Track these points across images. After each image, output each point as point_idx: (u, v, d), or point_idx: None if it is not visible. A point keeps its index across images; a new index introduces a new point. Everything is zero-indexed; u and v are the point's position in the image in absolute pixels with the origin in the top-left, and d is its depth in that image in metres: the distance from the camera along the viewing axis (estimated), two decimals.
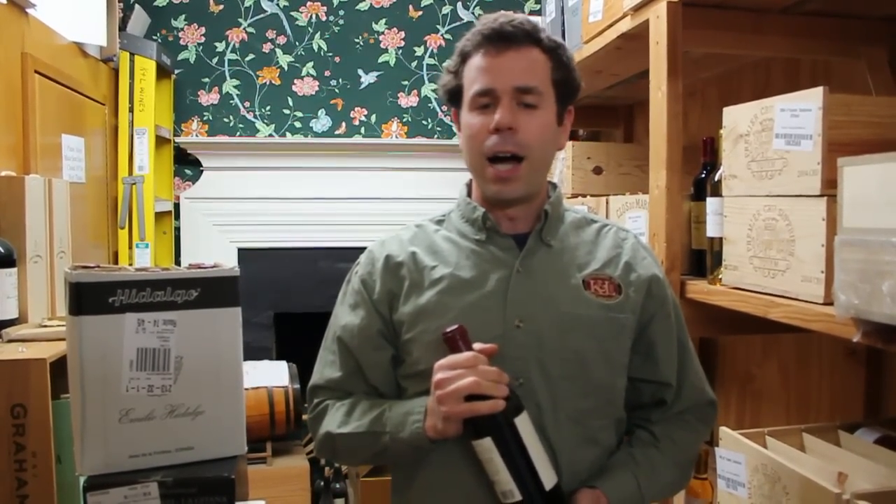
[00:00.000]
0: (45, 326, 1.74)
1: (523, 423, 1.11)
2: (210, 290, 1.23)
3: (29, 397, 1.45)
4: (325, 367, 1.31)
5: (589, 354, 1.20)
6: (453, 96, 1.28)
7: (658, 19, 1.65)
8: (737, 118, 1.42)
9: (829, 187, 1.17)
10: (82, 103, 2.85)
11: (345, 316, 1.30)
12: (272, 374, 3.29)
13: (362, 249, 1.37)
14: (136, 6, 3.56)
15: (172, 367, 1.22)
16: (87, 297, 1.16)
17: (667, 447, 1.26)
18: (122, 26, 3.35)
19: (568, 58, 1.26)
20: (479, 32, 1.22)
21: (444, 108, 3.92)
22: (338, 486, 3.45)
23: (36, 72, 2.33)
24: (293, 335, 3.79)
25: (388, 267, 1.27)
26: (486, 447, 1.10)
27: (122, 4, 3.41)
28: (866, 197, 1.01)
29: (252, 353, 3.67)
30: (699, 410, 1.32)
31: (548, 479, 1.12)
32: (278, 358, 3.72)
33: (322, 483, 3.45)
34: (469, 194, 1.33)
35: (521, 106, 1.20)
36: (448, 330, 1.13)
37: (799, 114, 1.24)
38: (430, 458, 1.20)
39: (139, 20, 3.54)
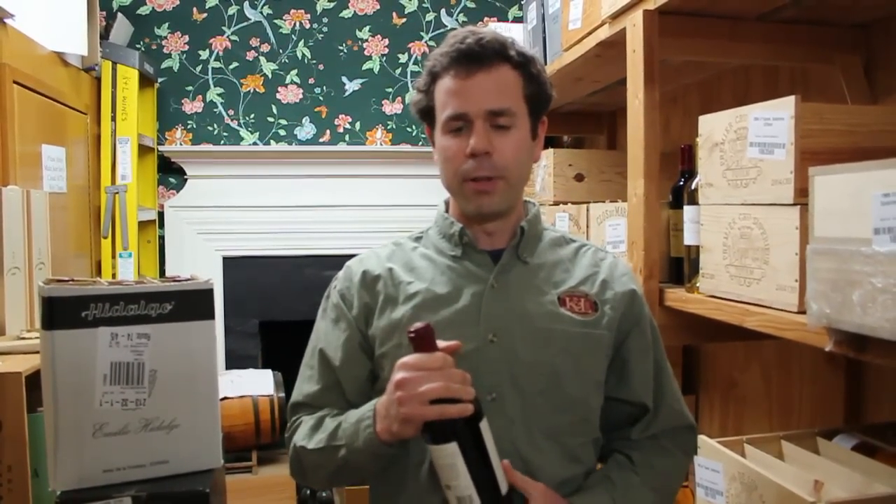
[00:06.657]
0: (23, 339, 1.73)
1: (485, 428, 1.08)
2: (184, 304, 1.23)
3: (4, 411, 1.45)
4: (304, 383, 1.28)
5: (563, 369, 1.18)
6: (425, 115, 1.26)
7: (635, 27, 1.66)
8: (712, 126, 1.43)
9: (802, 196, 1.17)
10: (63, 113, 2.84)
11: (326, 330, 1.28)
12: (257, 383, 3.28)
13: (347, 257, 1.36)
14: (119, 14, 3.55)
15: (147, 381, 1.21)
16: (60, 312, 1.16)
17: (644, 472, 1.22)
18: (105, 35, 3.34)
19: (538, 70, 1.23)
20: (447, 54, 1.19)
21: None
22: (324, 494, 3.43)
23: (15, 82, 2.32)
24: (279, 343, 3.77)
25: (365, 282, 1.26)
26: (449, 452, 1.06)
27: (104, 13, 3.40)
28: (837, 206, 1.02)
29: (237, 361, 3.66)
30: (677, 436, 1.27)
31: (503, 484, 1.09)
32: (264, 366, 3.71)
33: (308, 492, 3.43)
34: (447, 210, 1.31)
35: (495, 128, 1.17)
36: (413, 328, 1.07)
37: (772, 122, 1.25)
38: (407, 484, 1.18)
39: (122, 29, 3.52)
